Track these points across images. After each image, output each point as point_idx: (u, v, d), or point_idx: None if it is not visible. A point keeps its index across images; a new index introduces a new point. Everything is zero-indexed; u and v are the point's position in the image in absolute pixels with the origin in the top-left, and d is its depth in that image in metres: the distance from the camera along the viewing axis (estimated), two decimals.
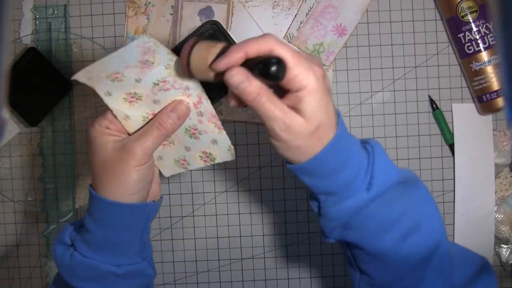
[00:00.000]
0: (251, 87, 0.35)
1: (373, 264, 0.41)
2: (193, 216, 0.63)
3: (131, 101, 0.42)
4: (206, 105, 0.42)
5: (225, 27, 0.60)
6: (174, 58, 0.40)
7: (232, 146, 0.44)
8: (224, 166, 0.62)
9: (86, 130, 0.41)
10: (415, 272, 0.40)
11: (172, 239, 0.63)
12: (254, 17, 0.61)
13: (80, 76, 0.40)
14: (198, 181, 0.62)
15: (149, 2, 0.61)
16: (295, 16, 0.61)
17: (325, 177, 0.39)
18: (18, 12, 0.61)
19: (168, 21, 0.61)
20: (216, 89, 0.61)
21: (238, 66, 0.36)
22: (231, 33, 0.60)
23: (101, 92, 0.41)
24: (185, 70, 0.38)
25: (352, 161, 0.39)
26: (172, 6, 0.61)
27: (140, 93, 0.42)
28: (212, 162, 0.46)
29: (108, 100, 0.41)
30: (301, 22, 0.60)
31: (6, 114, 0.61)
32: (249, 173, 0.62)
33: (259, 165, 0.62)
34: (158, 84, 0.41)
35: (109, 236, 0.42)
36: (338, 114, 0.39)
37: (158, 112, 0.42)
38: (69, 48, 0.61)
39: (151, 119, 0.42)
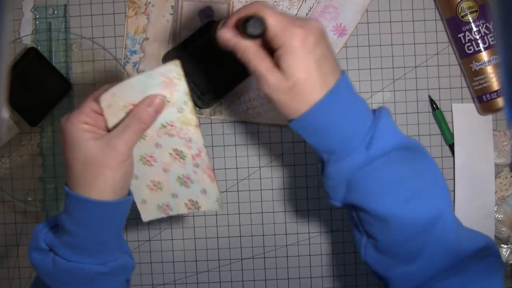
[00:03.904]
0: (239, 44, 0.40)
1: (377, 226, 0.42)
2: (193, 216, 0.63)
3: None
4: (204, 158, 0.45)
5: None
6: (188, 102, 0.42)
7: (220, 198, 0.46)
8: (224, 166, 0.62)
9: (62, 125, 0.41)
10: (418, 237, 0.41)
11: (172, 239, 0.63)
12: None
13: (105, 100, 0.41)
14: None
15: (149, 2, 0.61)
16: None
17: (321, 133, 0.41)
18: (18, 12, 0.61)
19: (168, 21, 0.61)
20: (217, 89, 0.61)
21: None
22: None
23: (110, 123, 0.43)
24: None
25: (351, 120, 0.40)
26: (172, 6, 0.61)
27: (146, 133, 0.43)
28: (196, 210, 0.47)
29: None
30: None
31: (6, 114, 0.61)
32: (249, 173, 0.62)
33: (259, 165, 0.62)
34: (165, 127, 0.43)
35: (91, 236, 0.41)
36: (342, 75, 0.41)
37: (136, 106, 0.42)
38: (69, 48, 0.61)
39: (130, 111, 0.42)
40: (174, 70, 0.41)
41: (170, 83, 0.41)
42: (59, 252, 0.42)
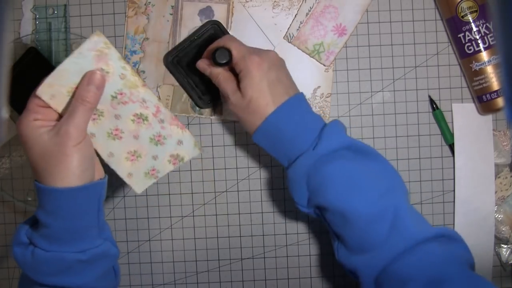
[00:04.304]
0: (212, 71, 0.51)
1: (339, 222, 0.46)
2: (193, 216, 0.63)
3: (94, 119, 0.44)
4: (165, 112, 0.45)
5: (225, 27, 0.60)
6: (126, 66, 0.43)
7: (197, 142, 0.47)
8: (224, 166, 0.62)
9: (16, 128, 0.43)
10: (374, 225, 0.44)
11: (172, 239, 0.63)
12: (254, 17, 0.61)
13: (44, 93, 0.42)
14: (198, 181, 0.63)
15: (149, 2, 0.61)
16: (295, 16, 0.61)
17: (276, 143, 0.48)
18: (18, 12, 0.61)
19: (168, 21, 0.61)
20: (217, 89, 0.61)
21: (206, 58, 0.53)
22: (231, 33, 0.60)
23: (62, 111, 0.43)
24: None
25: (302, 130, 0.47)
26: (172, 6, 0.61)
27: (101, 109, 0.44)
28: (181, 163, 0.48)
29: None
30: (301, 22, 0.60)
31: (6, 114, 0.61)
32: (249, 173, 0.62)
33: (259, 165, 0.62)
34: (116, 97, 0.44)
35: (66, 225, 0.42)
36: (295, 95, 0.48)
37: (77, 88, 0.42)
38: (69, 48, 0.61)
39: (74, 94, 0.43)
40: (100, 40, 0.41)
41: (101, 54, 0.41)
42: (37, 243, 0.43)
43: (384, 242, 0.44)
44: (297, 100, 0.48)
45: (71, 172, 0.41)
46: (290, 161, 0.48)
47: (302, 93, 0.50)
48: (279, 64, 0.49)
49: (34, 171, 0.43)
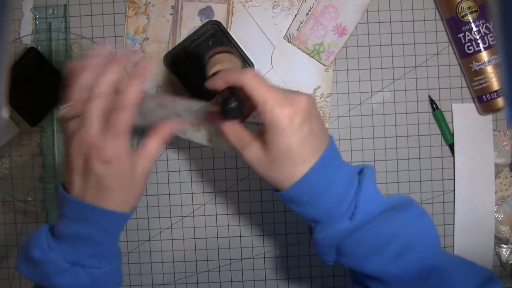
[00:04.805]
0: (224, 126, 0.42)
1: (373, 282, 0.42)
2: (193, 216, 0.63)
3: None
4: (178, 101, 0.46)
5: (225, 27, 0.60)
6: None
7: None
8: (224, 166, 0.62)
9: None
10: (416, 286, 0.41)
11: (172, 239, 0.63)
12: (254, 17, 0.61)
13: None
14: (198, 181, 0.63)
15: (149, 2, 0.61)
16: (295, 16, 0.61)
17: (307, 205, 0.41)
18: (18, 12, 0.61)
19: (168, 21, 0.61)
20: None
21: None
22: (231, 33, 0.60)
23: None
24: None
25: (335, 191, 0.40)
26: (172, 6, 0.61)
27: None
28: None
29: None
30: (301, 22, 0.60)
31: (6, 114, 0.61)
32: (249, 173, 0.62)
33: None
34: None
35: (114, 244, 0.47)
36: (327, 147, 0.41)
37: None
38: (69, 48, 0.61)
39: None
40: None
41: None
42: (87, 263, 0.43)
43: None
44: (330, 154, 0.41)
45: (136, 199, 0.44)
46: (318, 223, 0.42)
47: (332, 141, 0.42)
48: (312, 112, 0.40)
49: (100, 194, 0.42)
